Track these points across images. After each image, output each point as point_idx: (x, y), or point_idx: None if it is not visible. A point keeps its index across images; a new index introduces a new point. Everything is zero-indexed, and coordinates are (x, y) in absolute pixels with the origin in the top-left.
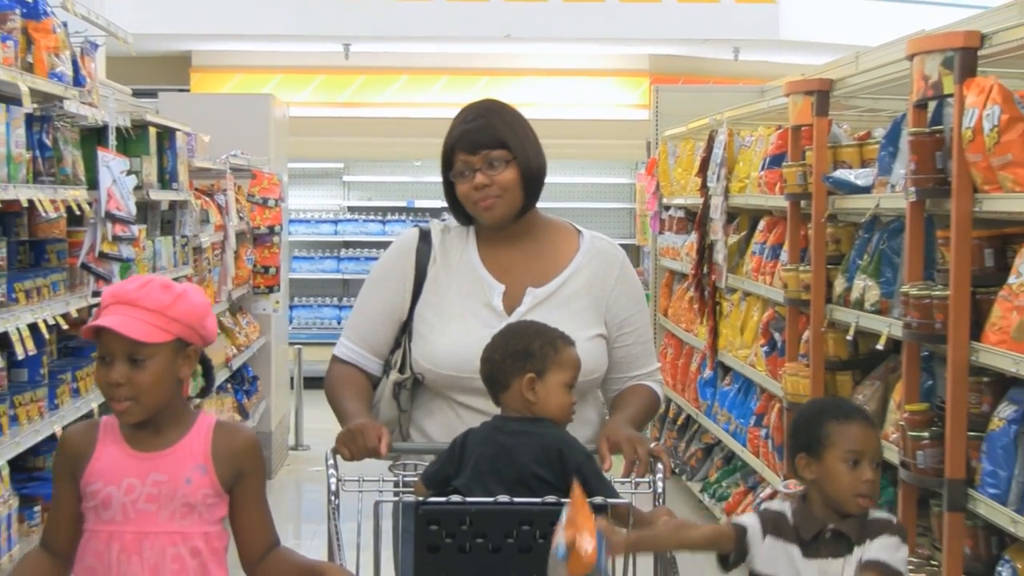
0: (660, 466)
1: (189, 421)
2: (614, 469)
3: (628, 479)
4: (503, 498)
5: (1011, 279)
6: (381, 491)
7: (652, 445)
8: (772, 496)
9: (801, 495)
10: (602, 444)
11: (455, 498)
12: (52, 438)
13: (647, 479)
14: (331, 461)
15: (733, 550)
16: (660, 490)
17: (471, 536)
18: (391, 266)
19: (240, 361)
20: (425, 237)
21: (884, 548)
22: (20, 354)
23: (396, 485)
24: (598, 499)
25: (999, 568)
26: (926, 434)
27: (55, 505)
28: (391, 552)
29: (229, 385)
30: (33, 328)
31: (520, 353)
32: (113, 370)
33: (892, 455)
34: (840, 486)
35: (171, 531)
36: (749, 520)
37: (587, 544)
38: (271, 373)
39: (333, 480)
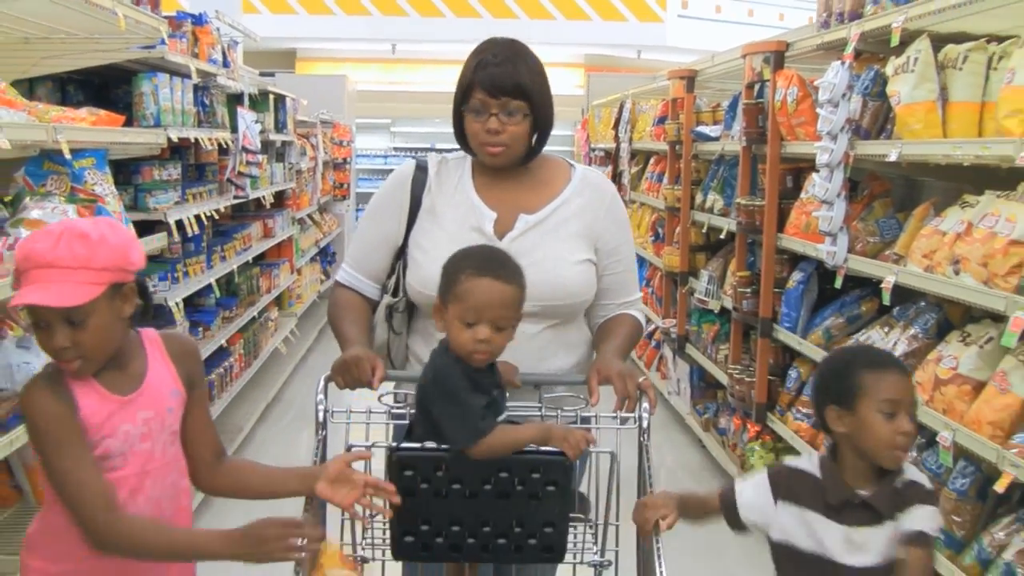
0: (646, 402)
1: (139, 344)
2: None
3: (615, 415)
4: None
5: (802, 195)
6: (368, 423)
7: (640, 380)
8: (653, 332)
9: (830, 451)
10: (592, 378)
11: (430, 444)
12: (208, 287)
13: (632, 415)
14: (321, 388)
15: (719, 519)
16: (646, 425)
17: (447, 482)
18: (388, 196)
19: (325, 243)
20: (422, 168)
21: (924, 519)
22: (189, 233)
23: (387, 417)
24: (556, 452)
25: (789, 372)
26: (748, 290)
27: (86, 467)
28: None
29: (318, 258)
30: (197, 217)
31: (443, 273)
32: (55, 335)
33: (728, 303)
34: (876, 439)
35: (166, 462)
36: (750, 487)
37: None
38: (343, 251)
39: (321, 410)
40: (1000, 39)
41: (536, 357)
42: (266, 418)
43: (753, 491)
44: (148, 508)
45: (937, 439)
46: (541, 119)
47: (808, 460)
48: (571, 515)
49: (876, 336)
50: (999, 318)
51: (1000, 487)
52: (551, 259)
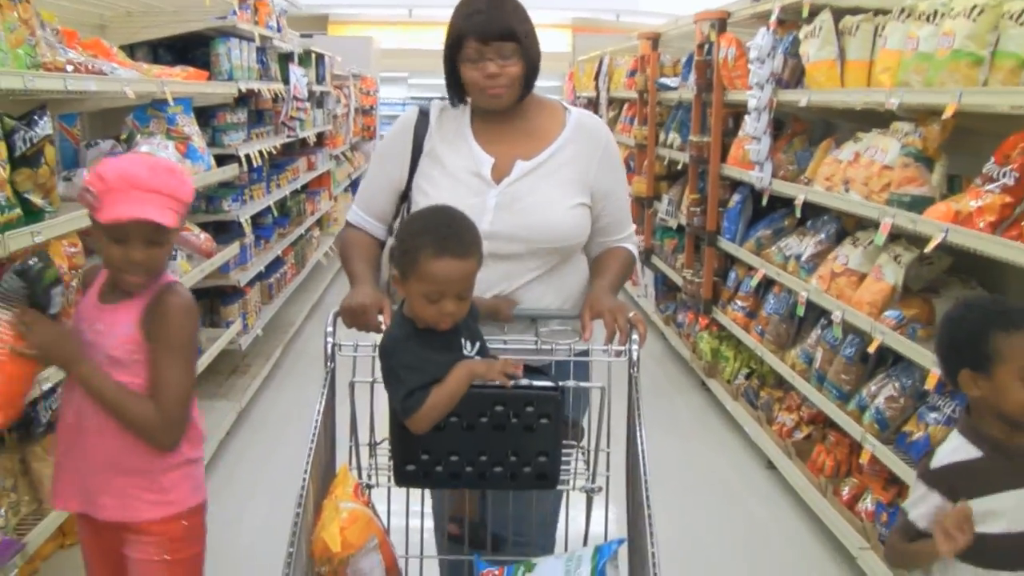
0: (636, 336)
1: (154, 282)
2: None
3: (606, 347)
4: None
5: (740, 133)
6: (374, 355)
7: (631, 314)
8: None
9: (964, 413)
10: (584, 314)
11: None
12: (268, 209)
13: (624, 347)
14: (330, 322)
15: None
16: (636, 358)
17: (445, 415)
18: (392, 141)
19: (356, 176)
20: (424, 114)
21: None
22: (255, 164)
23: None
24: (563, 381)
25: (729, 273)
26: (699, 209)
27: None
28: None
29: (350, 188)
30: (260, 152)
31: (399, 244)
32: (133, 251)
33: (683, 220)
34: (1018, 403)
35: None
36: (923, 508)
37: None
38: None
39: (330, 344)
40: (885, 12)
41: (530, 298)
42: (312, 316)
43: (924, 507)
44: (71, 413)
45: (832, 318)
46: (531, 59)
47: (954, 450)
48: (565, 442)
49: (793, 243)
50: (878, 225)
51: (871, 348)
52: (544, 203)
